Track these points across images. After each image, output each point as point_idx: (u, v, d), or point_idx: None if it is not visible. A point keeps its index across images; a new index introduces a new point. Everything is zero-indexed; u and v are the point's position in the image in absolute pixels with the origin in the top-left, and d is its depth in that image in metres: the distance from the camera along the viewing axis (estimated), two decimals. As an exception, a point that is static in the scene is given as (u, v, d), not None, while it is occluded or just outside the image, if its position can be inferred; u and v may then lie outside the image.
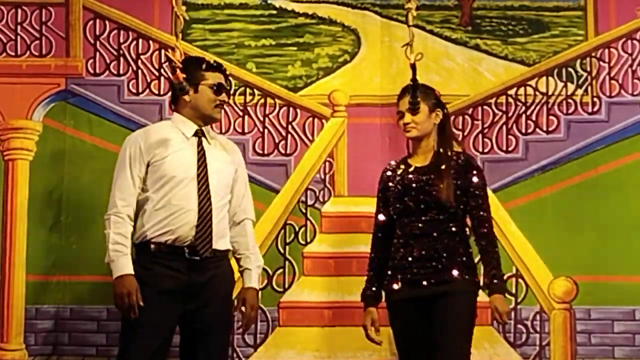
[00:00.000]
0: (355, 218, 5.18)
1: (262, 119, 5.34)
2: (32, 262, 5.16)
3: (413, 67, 4.16)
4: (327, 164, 5.33)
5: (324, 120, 5.34)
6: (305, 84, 5.38)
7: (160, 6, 5.33)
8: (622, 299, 5.18)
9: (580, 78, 5.36)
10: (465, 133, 5.33)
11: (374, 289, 4.33)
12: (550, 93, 5.35)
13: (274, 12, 5.43)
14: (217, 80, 4.25)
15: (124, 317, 4.09)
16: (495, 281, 4.17)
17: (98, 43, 5.33)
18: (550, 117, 5.34)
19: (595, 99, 5.34)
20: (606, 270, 5.19)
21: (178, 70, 4.05)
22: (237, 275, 4.35)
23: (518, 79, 5.37)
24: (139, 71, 5.33)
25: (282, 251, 5.23)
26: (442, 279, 4.15)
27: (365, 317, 4.32)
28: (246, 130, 5.32)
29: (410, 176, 4.27)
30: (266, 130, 5.33)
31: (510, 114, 5.35)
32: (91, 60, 5.32)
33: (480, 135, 5.34)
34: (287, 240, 5.25)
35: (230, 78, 5.25)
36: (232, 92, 5.28)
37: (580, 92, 5.35)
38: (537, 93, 5.35)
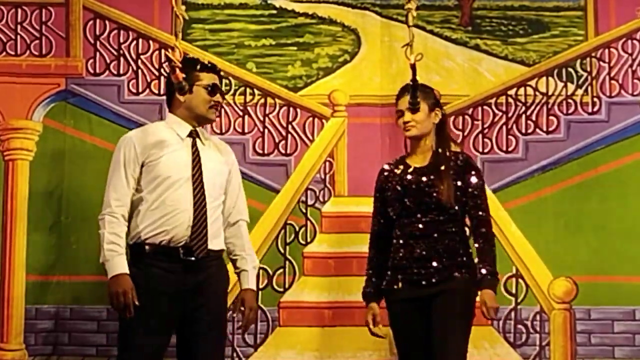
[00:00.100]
0: (355, 218, 5.17)
1: (262, 118, 5.34)
2: (32, 262, 5.16)
3: (413, 67, 4.17)
4: (327, 163, 5.32)
5: (324, 120, 5.34)
6: (305, 84, 5.37)
7: (160, 6, 5.33)
8: (622, 299, 5.18)
9: (580, 78, 5.36)
10: (465, 133, 5.33)
11: (374, 286, 4.33)
12: (550, 93, 5.35)
13: (274, 12, 5.42)
14: (211, 81, 4.24)
15: (121, 318, 4.08)
16: (488, 277, 4.16)
17: (98, 43, 5.33)
18: (550, 117, 5.33)
19: (595, 99, 5.33)
20: (606, 271, 5.19)
21: (178, 70, 4.05)
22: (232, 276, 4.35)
23: (518, 79, 5.37)
24: (139, 71, 5.33)
25: (282, 251, 5.23)
26: (443, 279, 4.15)
27: (368, 312, 4.32)
28: (246, 130, 5.31)
29: (410, 177, 4.27)
30: (266, 130, 5.33)
31: (510, 114, 5.34)
32: (91, 60, 5.31)
33: (480, 136, 5.34)
34: (288, 240, 5.25)
35: (230, 78, 5.28)
36: (232, 92, 5.29)
37: (580, 92, 5.34)
38: (537, 93, 5.35)
